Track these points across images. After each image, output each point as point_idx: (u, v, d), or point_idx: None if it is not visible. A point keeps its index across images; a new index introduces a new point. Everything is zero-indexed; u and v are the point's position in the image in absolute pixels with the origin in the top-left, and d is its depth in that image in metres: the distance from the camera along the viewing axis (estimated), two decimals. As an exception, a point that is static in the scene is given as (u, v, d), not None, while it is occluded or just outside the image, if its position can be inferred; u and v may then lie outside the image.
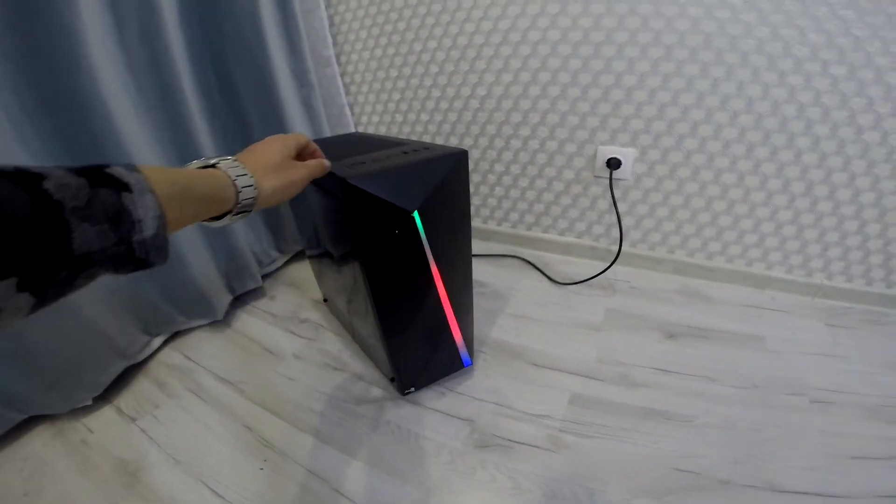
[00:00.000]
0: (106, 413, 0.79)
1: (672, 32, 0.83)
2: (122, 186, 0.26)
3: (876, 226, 0.85)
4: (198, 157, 0.85)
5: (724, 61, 0.81)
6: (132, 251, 0.26)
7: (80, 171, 0.24)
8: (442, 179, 0.60)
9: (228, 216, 0.37)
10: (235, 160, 0.39)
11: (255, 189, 0.38)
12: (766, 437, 0.64)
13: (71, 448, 0.72)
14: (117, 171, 0.26)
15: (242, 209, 0.38)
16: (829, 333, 0.85)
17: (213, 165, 0.37)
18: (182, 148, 0.88)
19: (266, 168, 0.41)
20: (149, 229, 0.27)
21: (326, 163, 0.50)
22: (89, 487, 0.65)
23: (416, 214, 0.59)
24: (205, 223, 0.37)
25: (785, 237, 0.93)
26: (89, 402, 0.78)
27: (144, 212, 0.26)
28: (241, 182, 0.37)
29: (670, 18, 0.82)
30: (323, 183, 0.62)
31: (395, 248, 0.60)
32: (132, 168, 0.27)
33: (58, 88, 0.68)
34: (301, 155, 0.48)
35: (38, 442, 0.74)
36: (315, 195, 0.69)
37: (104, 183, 0.25)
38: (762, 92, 0.81)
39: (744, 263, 1.00)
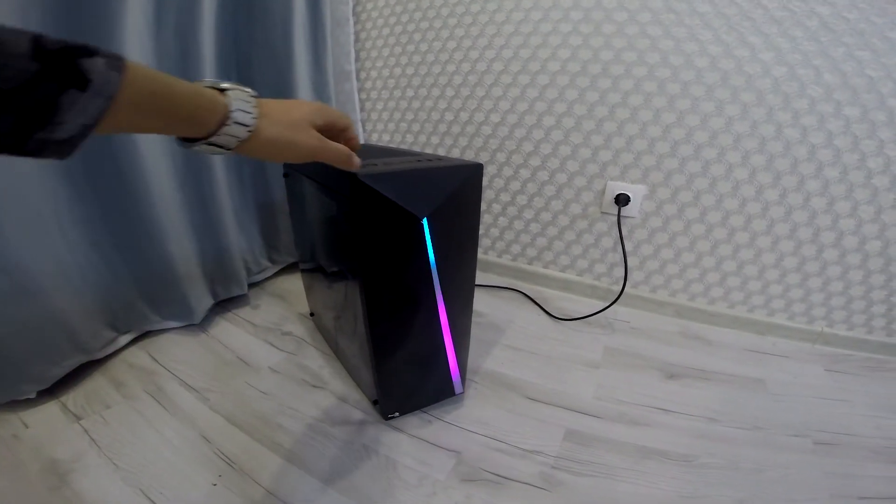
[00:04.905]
0: (48, 408, 0.71)
1: (690, 69, 0.84)
2: (78, 83, 0.23)
3: (881, 276, 0.85)
4: (205, 163, 0.85)
5: (740, 99, 0.82)
6: (24, 142, 0.23)
7: (48, 55, 0.22)
8: (455, 190, 0.58)
9: (201, 142, 0.34)
10: (252, 95, 0.36)
11: (249, 130, 0.35)
12: (771, 477, 0.62)
13: (-2, 442, 0.64)
14: (95, 65, 0.24)
15: (220, 143, 0.34)
16: (830, 378, 0.85)
17: (223, 89, 0.34)
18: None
19: (279, 119, 0.38)
20: (64, 133, 0.24)
21: (356, 160, 0.46)
22: (6, 486, 0.57)
23: (425, 222, 0.56)
24: (177, 142, 0.34)
25: (789, 285, 0.92)
26: (32, 396, 0.70)
27: (75, 116, 0.24)
28: (238, 116, 0.34)
29: (689, 55, 0.83)
30: (329, 181, 0.60)
31: (398, 258, 0.57)
32: (116, 67, 0.25)
33: None
34: (331, 134, 0.44)
35: (-36, 432, 0.65)
36: (318, 196, 0.66)
37: (57, 77, 0.23)
38: (775, 132, 0.82)
39: (746, 310, 0.98)
